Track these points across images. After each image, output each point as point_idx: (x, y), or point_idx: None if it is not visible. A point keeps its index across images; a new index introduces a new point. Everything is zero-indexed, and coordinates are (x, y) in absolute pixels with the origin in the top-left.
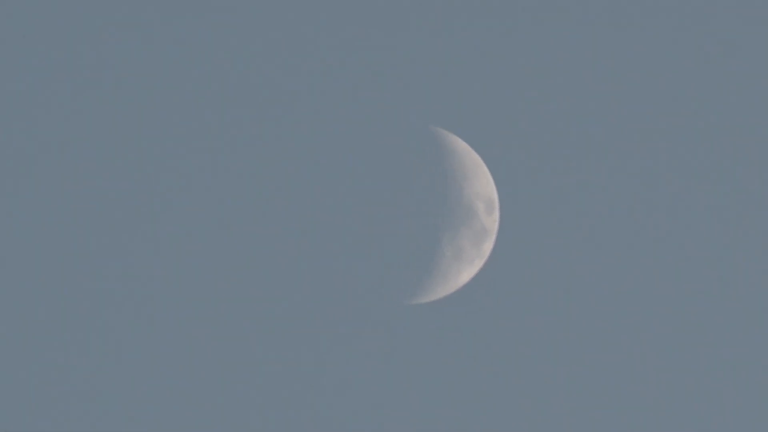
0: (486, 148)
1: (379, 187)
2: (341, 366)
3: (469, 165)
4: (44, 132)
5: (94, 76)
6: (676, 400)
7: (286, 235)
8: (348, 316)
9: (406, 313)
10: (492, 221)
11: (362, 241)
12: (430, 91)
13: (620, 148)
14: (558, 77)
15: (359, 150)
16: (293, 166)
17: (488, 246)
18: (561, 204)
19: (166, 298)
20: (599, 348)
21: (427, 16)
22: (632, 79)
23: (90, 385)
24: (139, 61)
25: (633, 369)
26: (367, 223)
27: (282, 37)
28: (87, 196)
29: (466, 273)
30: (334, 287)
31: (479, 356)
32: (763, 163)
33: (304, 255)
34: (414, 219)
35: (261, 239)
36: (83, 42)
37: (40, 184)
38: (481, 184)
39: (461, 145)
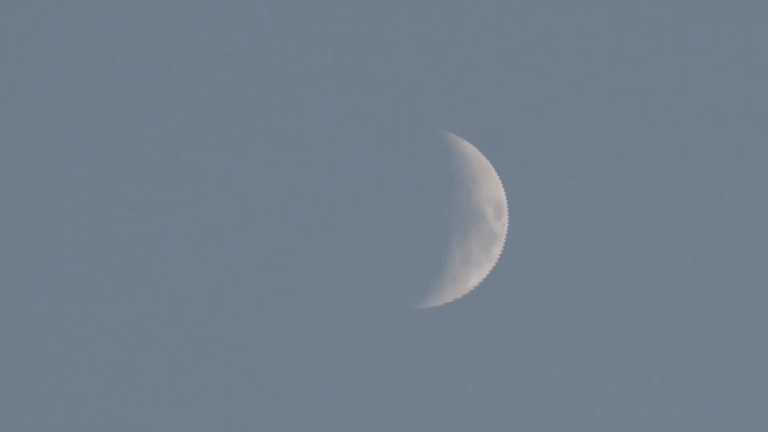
0: (495, 152)
1: (388, 190)
2: (350, 370)
3: (478, 169)
4: (44, 132)
5: (94, 75)
6: (685, 402)
7: (294, 238)
8: (357, 320)
9: (414, 317)
10: (501, 225)
11: (371, 244)
12: (439, 94)
13: (630, 152)
14: (568, 82)
15: (369, 153)
16: (302, 169)
17: (497, 250)
18: (570, 208)
19: (168, 298)
20: (609, 352)
21: (436, 20)
22: (645, 85)
23: (89, 385)
24: (139, 61)
25: (643, 373)
26: (376, 227)
27: (292, 38)
28: (86, 196)
29: (475, 277)
30: (343, 291)
31: (488, 360)
32: None
33: (312, 258)
34: (423, 223)
35: (269, 242)
36: (83, 41)
37: (40, 184)
38: (490, 188)
39: (470, 149)
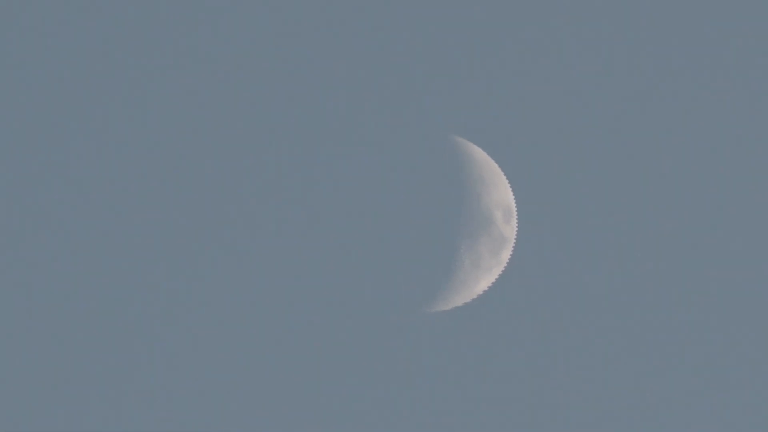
0: (504, 157)
1: (398, 194)
2: (360, 372)
3: (487, 173)
4: (44, 132)
5: (94, 75)
6: (692, 407)
7: (303, 241)
8: (367, 323)
9: (424, 320)
10: (510, 229)
11: (381, 248)
12: (449, 99)
13: (639, 157)
14: (577, 87)
15: (379, 158)
16: (313, 173)
17: (506, 254)
18: (579, 212)
19: (173, 299)
20: (617, 356)
21: (446, 25)
22: (654, 91)
23: (89, 385)
24: (139, 61)
25: (653, 376)
26: (386, 231)
27: (303, 42)
28: (87, 196)
29: (484, 281)
30: (353, 294)
31: (497, 364)
32: None
33: (322, 263)
34: (433, 227)
35: (279, 246)
36: (83, 41)
37: (41, 183)
38: (500, 192)
39: (479, 154)
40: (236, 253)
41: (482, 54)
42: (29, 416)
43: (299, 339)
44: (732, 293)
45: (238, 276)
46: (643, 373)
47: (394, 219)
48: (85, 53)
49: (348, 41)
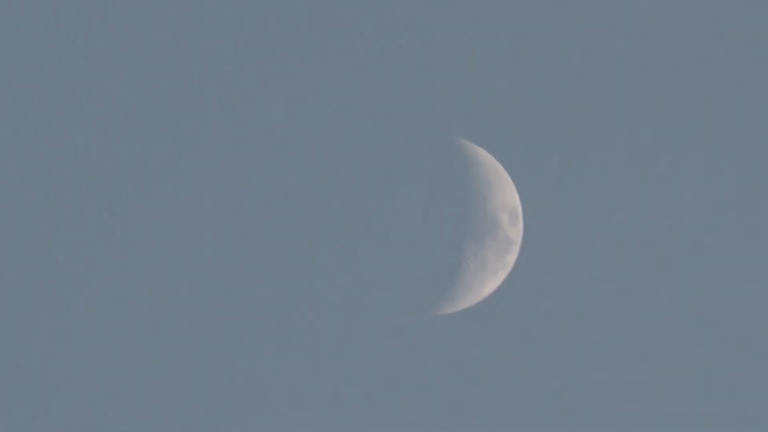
0: (510, 160)
1: (404, 197)
2: (366, 375)
3: (493, 176)
4: (43, 132)
5: (94, 75)
6: (700, 410)
7: (309, 245)
8: (373, 326)
9: (430, 323)
10: (516, 232)
11: (387, 251)
12: (454, 102)
13: (645, 160)
14: (583, 90)
15: (385, 161)
16: (318, 176)
17: (512, 257)
18: (585, 215)
19: (178, 301)
20: (623, 358)
21: (452, 28)
22: (661, 95)
23: (90, 385)
24: (139, 61)
25: (659, 378)
26: (392, 234)
27: (309, 46)
28: (86, 196)
29: (490, 284)
30: (359, 297)
31: (503, 366)
32: None
33: (327, 265)
34: (438, 230)
35: (285, 250)
36: (83, 41)
37: (40, 184)
38: (505, 195)
39: (485, 156)
40: (241, 254)
41: (488, 57)
42: (29, 416)
43: (306, 341)
44: (736, 296)
45: (244, 278)
46: (649, 375)
47: (401, 222)
48: (85, 53)
49: (354, 43)
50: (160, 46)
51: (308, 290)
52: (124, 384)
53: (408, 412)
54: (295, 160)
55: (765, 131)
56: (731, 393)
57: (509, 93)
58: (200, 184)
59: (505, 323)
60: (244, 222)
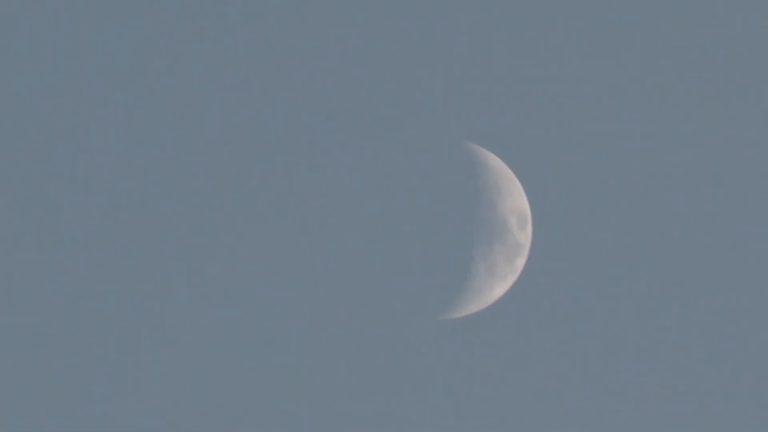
0: (519, 164)
1: (413, 201)
2: (375, 379)
3: (502, 180)
4: (43, 132)
5: (94, 75)
6: (710, 415)
7: (318, 250)
8: (382, 331)
9: (439, 327)
10: (525, 236)
11: (396, 255)
12: (463, 106)
13: (655, 164)
14: (592, 94)
15: (394, 165)
16: (328, 181)
17: (521, 261)
18: (594, 219)
19: (183, 302)
20: (632, 362)
21: (462, 32)
22: (671, 98)
23: (90, 385)
24: (139, 61)
25: (666, 382)
26: (401, 238)
27: (315, 49)
28: (86, 196)
29: (498, 288)
30: (369, 302)
31: (511, 371)
32: None
33: (337, 270)
34: (447, 234)
35: (293, 255)
36: (82, 41)
37: (40, 184)
38: (514, 199)
39: (494, 160)
40: (251, 261)
41: (497, 60)
42: (29, 416)
43: (315, 346)
44: (742, 298)
45: (253, 283)
46: (659, 379)
47: (409, 226)
48: (84, 53)
49: (362, 46)
50: (158, 45)
51: (318, 294)
52: (124, 384)
53: (417, 416)
54: (303, 163)
55: None
56: (748, 401)
57: (519, 97)
58: (207, 188)
59: (514, 327)
60: (253, 229)
